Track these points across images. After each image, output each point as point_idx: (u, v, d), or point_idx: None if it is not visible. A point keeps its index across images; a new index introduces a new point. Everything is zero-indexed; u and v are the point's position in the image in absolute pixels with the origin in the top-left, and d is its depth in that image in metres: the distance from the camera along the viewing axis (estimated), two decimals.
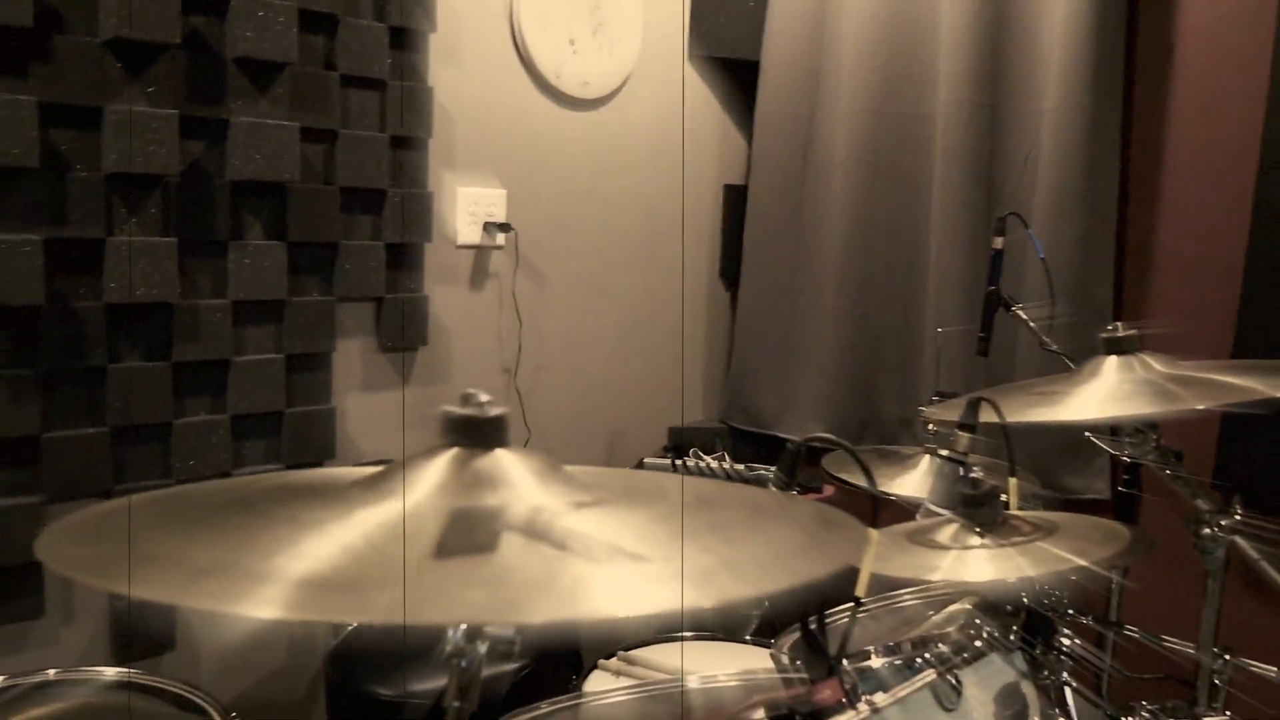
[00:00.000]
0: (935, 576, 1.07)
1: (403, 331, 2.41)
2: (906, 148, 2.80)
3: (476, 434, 0.72)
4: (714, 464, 2.86)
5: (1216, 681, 1.41)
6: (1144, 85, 2.44)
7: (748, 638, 1.89)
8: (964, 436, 1.26)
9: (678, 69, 3.02)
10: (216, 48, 2.05)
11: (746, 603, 0.87)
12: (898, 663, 1.11)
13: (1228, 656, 1.43)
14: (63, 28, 1.85)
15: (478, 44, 2.51)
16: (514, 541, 0.63)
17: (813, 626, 1.01)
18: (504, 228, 2.58)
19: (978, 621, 1.12)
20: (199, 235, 2.05)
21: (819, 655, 1.00)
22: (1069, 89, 2.43)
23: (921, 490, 1.96)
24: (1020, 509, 1.21)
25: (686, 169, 3.09)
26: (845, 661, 1.07)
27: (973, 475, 1.14)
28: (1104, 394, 1.30)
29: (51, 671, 1.51)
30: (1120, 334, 1.41)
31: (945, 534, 1.13)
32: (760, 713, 1.15)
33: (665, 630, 1.85)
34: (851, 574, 0.99)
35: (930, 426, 2.03)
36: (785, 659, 1.20)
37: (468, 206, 2.53)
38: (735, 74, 3.14)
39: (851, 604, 1.01)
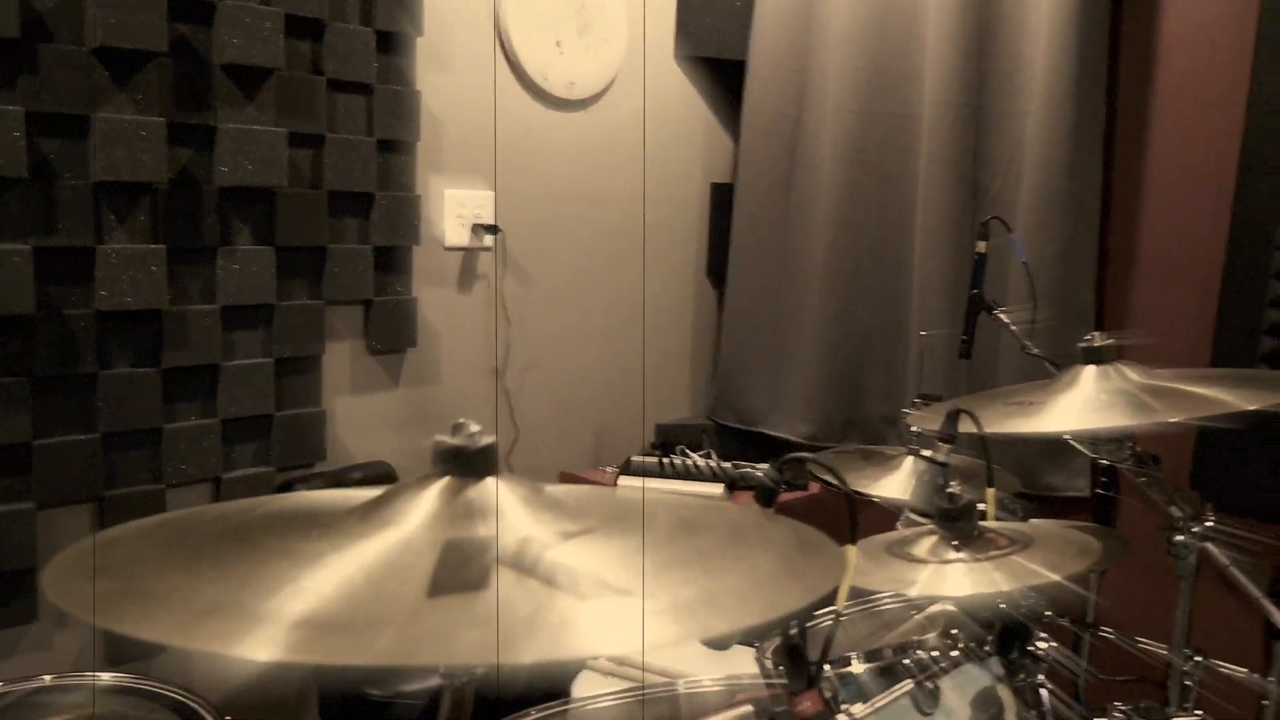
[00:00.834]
0: (913, 591, 1.10)
1: (392, 333, 2.43)
2: (893, 147, 2.82)
3: (468, 464, 0.75)
4: (701, 462, 2.89)
5: (1188, 683, 1.45)
6: (1127, 89, 2.47)
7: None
8: (944, 447, 1.29)
9: (664, 69, 3.03)
10: (204, 54, 2.05)
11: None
12: (878, 669, 1.14)
13: (1199, 658, 1.47)
14: (49, 37, 1.85)
15: (464, 47, 2.52)
16: (504, 577, 0.65)
17: (794, 634, 1.04)
18: (492, 229, 2.60)
19: (955, 630, 1.15)
20: (188, 242, 2.07)
21: (799, 666, 1.02)
22: (1052, 91, 2.46)
23: (904, 492, 1.98)
24: (998, 519, 1.24)
25: (673, 168, 3.10)
26: (827, 668, 1.10)
27: (950, 490, 1.17)
28: (1081, 405, 1.33)
29: (48, 678, 1.53)
30: (1098, 344, 1.44)
31: (923, 547, 1.16)
32: (747, 708, 1.18)
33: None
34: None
35: (914, 428, 2.06)
36: (769, 663, 1.23)
37: (455, 209, 2.55)
38: (721, 73, 3.16)
39: (833, 610, 1.03)
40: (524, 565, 0.67)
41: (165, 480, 2.07)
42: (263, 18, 2.09)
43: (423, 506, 0.73)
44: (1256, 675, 1.48)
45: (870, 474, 2.07)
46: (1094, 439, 1.49)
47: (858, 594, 1.31)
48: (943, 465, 1.25)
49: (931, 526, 1.19)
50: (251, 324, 2.19)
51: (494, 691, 0.72)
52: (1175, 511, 1.41)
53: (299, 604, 0.63)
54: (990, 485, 1.24)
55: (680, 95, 3.09)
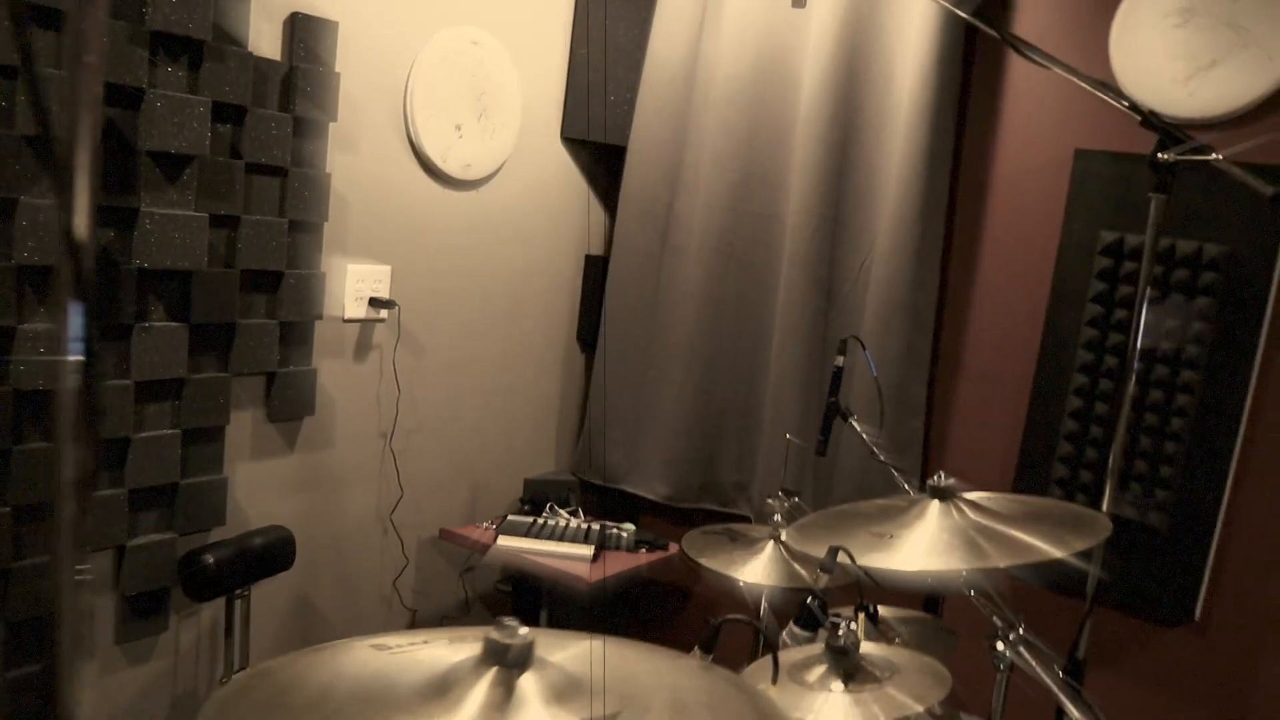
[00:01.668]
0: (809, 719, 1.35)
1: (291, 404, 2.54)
2: (758, 244, 3.12)
3: (512, 657, 0.95)
4: (572, 521, 3.12)
5: None
6: (963, 219, 2.86)
7: None
8: (824, 576, 1.56)
9: (552, 150, 3.24)
10: (130, 139, 2.12)
11: None
12: None
13: None
14: None
15: (372, 131, 2.66)
16: None
17: None
18: (388, 304, 2.74)
19: None
20: (105, 319, 2.13)
21: None
22: (902, 214, 2.80)
23: (764, 576, 2.27)
24: (867, 637, 1.52)
25: (553, 241, 3.31)
26: None
27: (839, 630, 1.43)
28: (928, 544, 1.63)
29: None
30: (941, 484, 1.76)
31: (813, 674, 1.43)
32: None
33: None
34: None
35: (776, 517, 2.35)
36: None
37: (355, 283, 2.68)
38: (603, 156, 3.39)
39: None
40: None
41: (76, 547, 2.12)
42: (192, 105, 2.18)
43: (476, 697, 0.93)
44: None
45: (737, 557, 2.34)
46: None
47: None
48: (822, 594, 1.52)
49: (817, 654, 1.45)
50: (162, 396, 2.27)
51: None
52: (997, 621, 1.73)
53: None
54: (861, 611, 1.52)
55: (564, 174, 3.31)
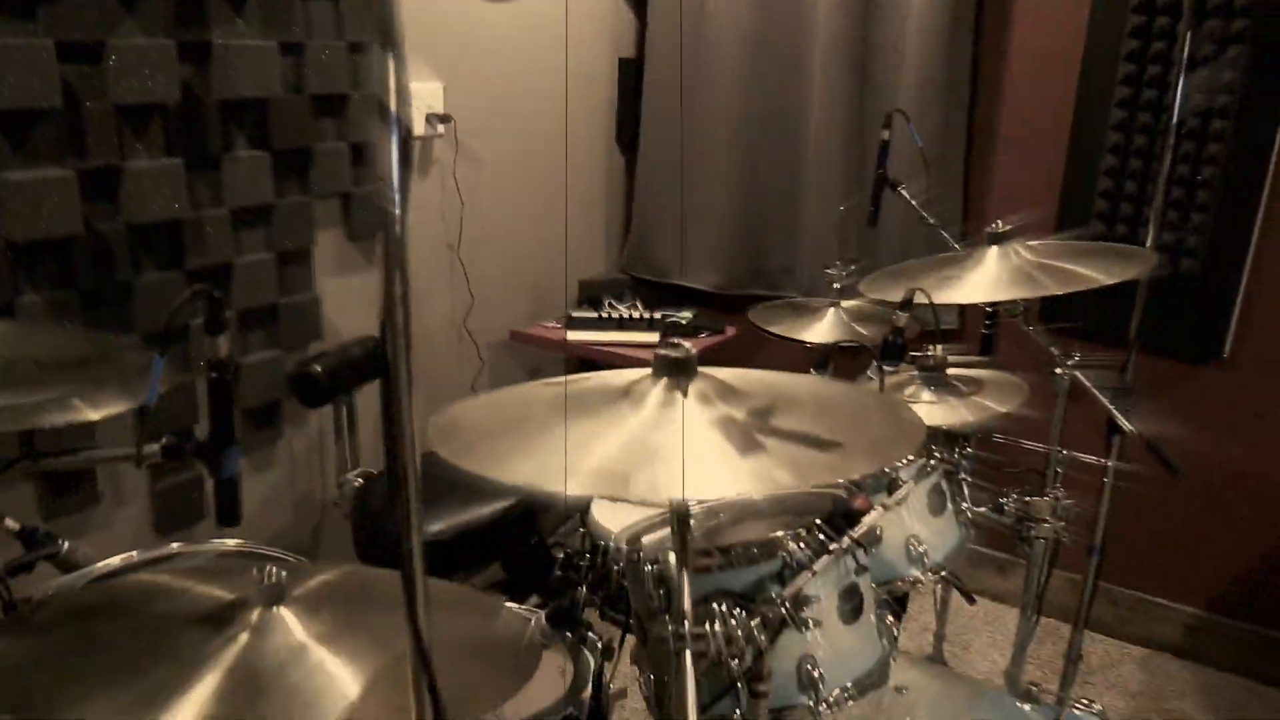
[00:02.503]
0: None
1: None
2: (791, 28, 3.18)
3: (679, 368, 1.14)
4: (632, 313, 3.30)
5: (1058, 469, 2.01)
6: None
7: None
8: (903, 315, 1.72)
9: None
10: None
11: None
12: None
13: (1064, 451, 2.03)
14: None
15: None
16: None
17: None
18: (444, 119, 2.85)
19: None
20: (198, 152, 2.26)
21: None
22: None
23: (830, 336, 2.45)
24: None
25: (585, 45, 3.38)
26: None
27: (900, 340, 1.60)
28: (991, 279, 1.80)
29: (175, 545, 1.83)
30: (1000, 230, 1.92)
31: (907, 392, 1.62)
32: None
33: None
34: None
35: (834, 285, 2.51)
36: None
37: (413, 101, 2.78)
38: None
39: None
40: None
41: (194, 370, 2.32)
42: None
43: (654, 397, 1.12)
44: (1101, 459, 2.04)
45: (801, 323, 2.51)
46: None
47: None
48: (900, 330, 1.69)
49: (907, 374, 1.64)
50: (253, 223, 2.42)
51: None
52: (1052, 350, 1.93)
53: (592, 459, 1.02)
54: (939, 342, 1.70)
55: None
